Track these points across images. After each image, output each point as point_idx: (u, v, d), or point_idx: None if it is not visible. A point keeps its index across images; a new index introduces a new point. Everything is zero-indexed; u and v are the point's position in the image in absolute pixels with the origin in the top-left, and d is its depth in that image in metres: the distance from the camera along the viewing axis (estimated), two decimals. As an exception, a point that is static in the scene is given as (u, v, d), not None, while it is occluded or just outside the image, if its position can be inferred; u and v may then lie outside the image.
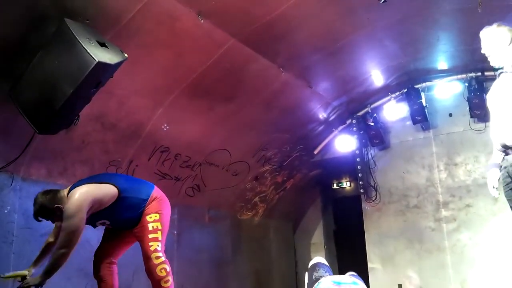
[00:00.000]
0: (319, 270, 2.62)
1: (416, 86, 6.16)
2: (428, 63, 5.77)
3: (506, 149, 2.69)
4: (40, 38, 3.03)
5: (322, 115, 6.29)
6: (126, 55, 3.10)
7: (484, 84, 5.74)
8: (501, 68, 2.80)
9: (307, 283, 2.58)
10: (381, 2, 3.77)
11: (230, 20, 3.81)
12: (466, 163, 6.14)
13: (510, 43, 2.76)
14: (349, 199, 8.04)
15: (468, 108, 5.94)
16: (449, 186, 6.21)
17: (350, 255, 7.60)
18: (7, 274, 2.99)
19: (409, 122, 6.44)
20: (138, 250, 3.13)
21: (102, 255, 3.26)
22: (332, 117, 6.50)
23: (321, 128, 6.62)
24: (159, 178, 4.90)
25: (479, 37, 2.91)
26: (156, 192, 3.26)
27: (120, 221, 3.17)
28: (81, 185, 2.98)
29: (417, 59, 5.62)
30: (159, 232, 3.11)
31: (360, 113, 6.67)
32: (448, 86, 6.08)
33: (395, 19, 4.51)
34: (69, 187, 3.04)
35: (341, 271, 4.74)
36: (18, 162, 3.66)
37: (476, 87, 5.75)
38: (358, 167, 6.78)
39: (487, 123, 5.75)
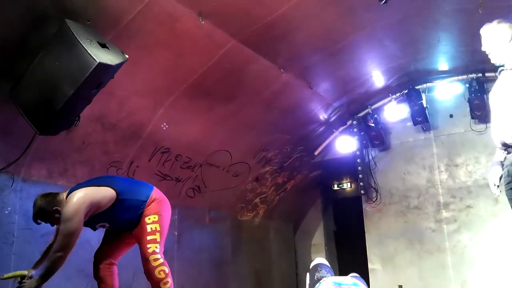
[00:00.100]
0: (321, 270, 2.61)
1: (417, 87, 6.16)
2: (429, 64, 5.77)
3: (506, 147, 2.67)
4: (40, 38, 3.03)
5: (322, 116, 6.28)
6: (126, 56, 3.09)
7: (485, 85, 5.74)
8: (502, 66, 2.78)
9: (309, 284, 2.57)
10: (382, 3, 3.76)
11: (230, 20, 3.81)
12: (466, 164, 6.13)
13: (510, 40, 2.73)
14: (350, 200, 8.04)
15: (468, 109, 5.95)
16: (449, 187, 6.20)
17: (350, 256, 7.60)
18: (6, 275, 2.99)
19: (409, 123, 6.44)
20: (138, 251, 3.11)
21: (102, 256, 3.25)
22: (333, 118, 6.50)
23: (321, 129, 6.61)
24: (160, 179, 4.90)
25: (479, 38, 2.89)
26: (156, 193, 3.24)
27: (120, 223, 3.16)
28: (79, 188, 2.97)
29: (417, 59, 5.62)
30: (158, 234, 3.09)
31: (361, 114, 6.67)
32: (449, 87, 6.08)
33: (395, 19, 4.51)
34: (68, 190, 3.03)
35: (342, 272, 4.74)
36: (19, 163, 3.66)
37: (477, 88, 5.75)
38: (359, 168, 6.78)
39: (487, 124, 5.75)
